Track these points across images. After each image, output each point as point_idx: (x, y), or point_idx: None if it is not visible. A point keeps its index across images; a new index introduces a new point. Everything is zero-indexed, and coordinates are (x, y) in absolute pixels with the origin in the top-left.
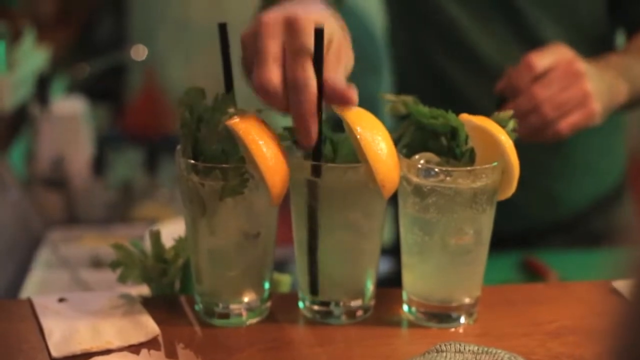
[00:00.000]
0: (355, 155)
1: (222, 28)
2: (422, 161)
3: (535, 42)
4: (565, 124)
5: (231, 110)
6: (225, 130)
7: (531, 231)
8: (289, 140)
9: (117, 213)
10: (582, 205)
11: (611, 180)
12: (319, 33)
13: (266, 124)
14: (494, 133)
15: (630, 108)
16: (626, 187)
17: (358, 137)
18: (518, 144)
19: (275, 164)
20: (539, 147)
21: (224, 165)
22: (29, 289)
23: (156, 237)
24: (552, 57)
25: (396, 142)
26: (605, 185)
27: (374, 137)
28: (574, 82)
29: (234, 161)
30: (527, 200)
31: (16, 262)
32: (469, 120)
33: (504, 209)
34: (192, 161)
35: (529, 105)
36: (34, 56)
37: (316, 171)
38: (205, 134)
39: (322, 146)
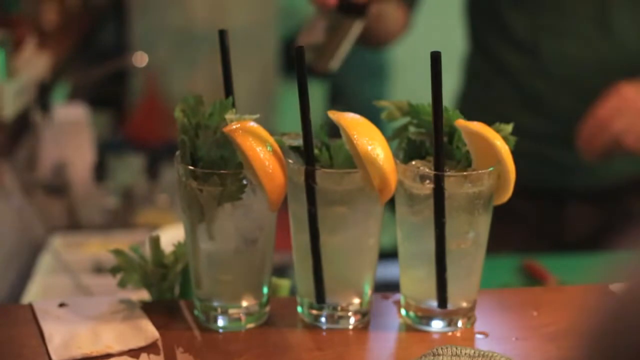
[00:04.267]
0: (352, 160)
1: (222, 35)
2: (419, 167)
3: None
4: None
5: (229, 116)
6: (223, 136)
7: (567, 193)
8: (286, 146)
9: (118, 219)
10: (617, 179)
11: None
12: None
13: (264, 130)
14: (490, 139)
15: None
16: None
17: (355, 143)
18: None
19: (273, 170)
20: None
21: (222, 171)
22: (31, 294)
23: (156, 242)
24: None
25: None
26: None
27: (370, 143)
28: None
29: (232, 167)
30: (568, 158)
31: (18, 268)
32: (465, 125)
33: (545, 163)
34: (191, 167)
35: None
36: (35, 63)
37: (312, 177)
38: (204, 140)
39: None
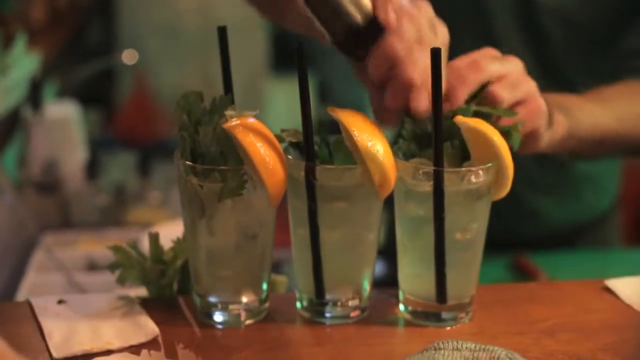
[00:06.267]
0: (351, 156)
1: (222, 31)
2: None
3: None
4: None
5: (229, 112)
6: (223, 132)
7: (515, 240)
8: (285, 142)
9: (110, 217)
10: (565, 225)
11: (598, 209)
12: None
13: (264, 126)
14: (488, 134)
15: (573, 155)
16: (615, 212)
17: (355, 139)
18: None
19: (274, 165)
20: (534, 161)
21: (223, 167)
22: (24, 293)
23: (155, 238)
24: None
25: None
26: (591, 213)
27: (370, 139)
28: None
29: (232, 163)
30: (512, 210)
31: (11, 266)
32: (464, 122)
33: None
34: (191, 163)
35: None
36: (25, 61)
37: (312, 173)
38: (204, 136)
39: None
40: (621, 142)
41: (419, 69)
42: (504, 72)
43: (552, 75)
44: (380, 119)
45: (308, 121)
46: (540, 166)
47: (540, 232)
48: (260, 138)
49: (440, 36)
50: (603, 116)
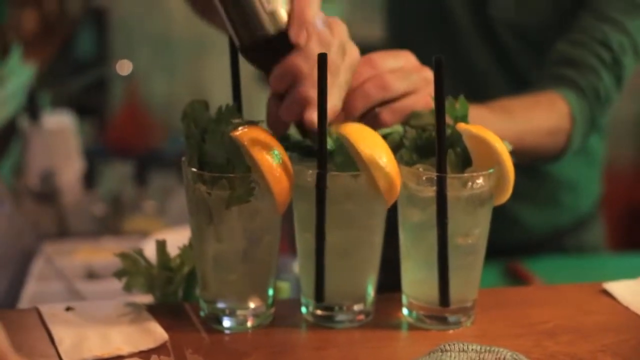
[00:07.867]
0: (350, 161)
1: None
2: (422, 169)
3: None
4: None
5: (236, 120)
6: (230, 140)
7: (499, 247)
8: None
9: (107, 226)
10: (545, 230)
11: (578, 213)
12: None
13: (269, 133)
14: (490, 141)
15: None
16: (597, 216)
17: (359, 150)
18: None
19: (281, 173)
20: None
21: (231, 175)
22: (26, 302)
23: (162, 245)
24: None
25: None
26: (571, 217)
27: (374, 149)
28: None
29: (240, 170)
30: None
31: (10, 275)
32: (466, 129)
33: None
34: (200, 171)
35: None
36: (21, 71)
37: (322, 180)
38: (211, 144)
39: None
40: (521, 154)
41: (317, 89)
42: (410, 89)
43: (516, 83)
44: (271, 125)
45: (323, 129)
46: (518, 172)
47: (521, 237)
48: (267, 146)
49: (348, 59)
50: (503, 130)
